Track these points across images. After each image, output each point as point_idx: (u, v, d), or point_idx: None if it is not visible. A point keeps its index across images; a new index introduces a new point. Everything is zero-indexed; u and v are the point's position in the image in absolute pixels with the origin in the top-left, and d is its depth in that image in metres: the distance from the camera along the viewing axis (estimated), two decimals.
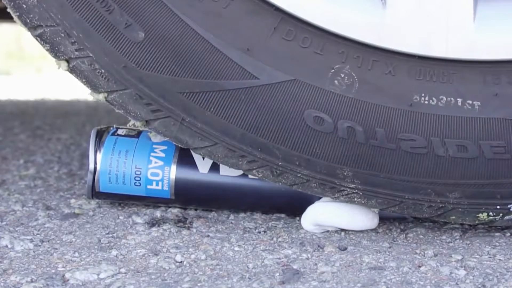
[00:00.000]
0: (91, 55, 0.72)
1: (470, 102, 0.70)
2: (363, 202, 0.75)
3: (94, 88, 0.74)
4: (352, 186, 0.74)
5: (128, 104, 0.74)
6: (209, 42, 0.70)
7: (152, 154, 0.83)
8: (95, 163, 0.83)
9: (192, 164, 0.83)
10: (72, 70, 0.73)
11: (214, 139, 0.74)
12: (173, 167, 0.83)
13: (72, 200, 0.91)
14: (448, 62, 0.70)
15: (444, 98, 0.71)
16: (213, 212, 0.86)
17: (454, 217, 0.75)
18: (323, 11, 0.69)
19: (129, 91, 0.73)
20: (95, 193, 0.84)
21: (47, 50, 0.73)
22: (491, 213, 0.74)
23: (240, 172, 0.82)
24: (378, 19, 0.69)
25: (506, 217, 0.74)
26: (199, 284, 0.66)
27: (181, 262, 0.71)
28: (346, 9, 0.70)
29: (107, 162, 0.83)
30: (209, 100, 0.72)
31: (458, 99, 0.70)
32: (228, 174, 0.83)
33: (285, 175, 0.75)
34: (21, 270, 0.69)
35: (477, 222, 0.75)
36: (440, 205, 0.74)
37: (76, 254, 0.73)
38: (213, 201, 0.85)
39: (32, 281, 0.66)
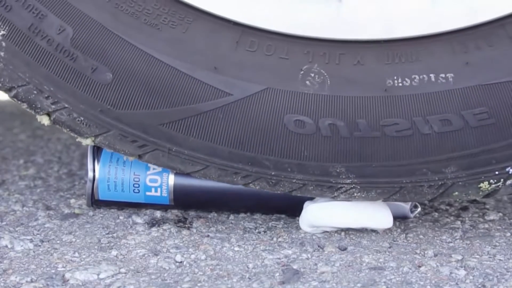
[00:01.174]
0: (66, 105, 0.73)
1: (443, 75, 0.71)
2: (363, 195, 0.75)
3: (80, 134, 0.75)
4: (348, 181, 0.74)
5: (115, 144, 0.74)
6: (177, 68, 0.71)
7: None
8: (94, 171, 0.83)
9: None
10: (54, 122, 0.74)
11: (204, 162, 0.74)
12: (172, 173, 0.82)
13: (72, 200, 0.90)
14: (413, 41, 0.71)
15: (417, 77, 0.71)
16: (213, 212, 0.86)
17: (457, 193, 0.74)
18: (280, 16, 0.70)
19: (112, 132, 0.74)
20: (94, 201, 0.84)
21: (26, 108, 0.74)
22: (491, 181, 0.73)
23: None
24: (336, 13, 0.70)
25: (509, 182, 0.73)
26: (199, 284, 0.66)
27: (181, 262, 0.71)
28: (303, 10, 0.70)
29: (105, 170, 0.82)
30: (189, 126, 0.73)
31: (430, 75, 0.71)
32: None
33: (281, 183, 0.75)
34: (21, 270, 0.68)
35: (481, 194, 0.74)
36: (440, 183, 0.73)
37: (76, 254, 0.73)
38: (213, 206, 0.85)
39: (32, 281, 0.66)
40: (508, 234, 0.80)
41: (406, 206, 0.81)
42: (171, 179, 0.82)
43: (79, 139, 0.75)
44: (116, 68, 0.71)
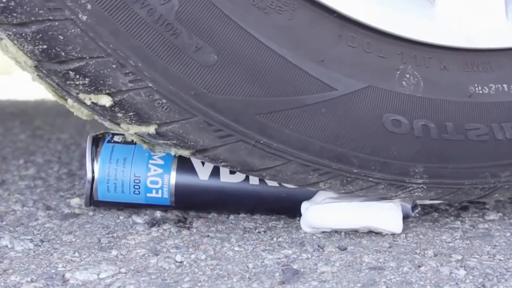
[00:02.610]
0: (150, 85, 0.65)
1: None
2: (421, 195, 0.77)
3: (143, 121, 0.67)
4: (420, 181, 0.75)
5: (190, 133, 0.68)
6: (284, 57, 0.68)
7: (151, 161, 0.82)
8: (93, 172, 0.82)
9: (192, 171, 0.82)
10: (117, 104, 0.66)
11: (288, 157, 0.71)
12: (173, 175, 0.82)
13: (72, 200, 0.91)
14: (489, 52, 0.75)
15: (493, 86, 0.75)
16: (213, 212, 0.86)
17: (497, 195, 0.79)
18: (379, 12, 0.71)
19: (195, 119, 0.67)
20: (93, 202, 0.84)
21: (77, 85, 0.65)
22: None
23: (242, 178, 0.82)
24: (427, 16, 0.73)
25: None
26: (199, 284, 0.66)
27: (181, 262, 0.71)
28: (398, 10, 0.72)
29: (105, 171, 0.82)
30: (288, 117, 0.69)
31: (504, 85, 0.75)
32: (229, 180, 0.82)
33: (355, 182, 0.74)
34: (21, 270, 0.69)
35: None
36: (492, 185, 0.77)
37: (76, 254, 0.73)
38: (214, 208, 0.85)
39: (32, 281, 0.66)
40: (508, 234, 0.80)
41: (407, 205, 0.81)
42: (173, 181, 0.82)
43: (132, 127, 0.69)
44: (222, 49, 0.66)
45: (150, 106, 0.66)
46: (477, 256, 0.73)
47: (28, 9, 0.62)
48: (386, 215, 0.77)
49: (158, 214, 0.85)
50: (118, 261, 0.71)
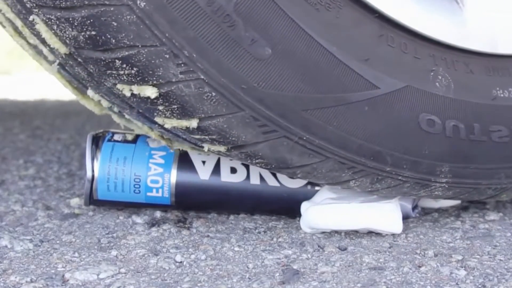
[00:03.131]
0: (202, 77, 0.63)
1: None
2: (440, 194, 0.78)
3: (187, 114, 0.66)
4: (443, 181, 0.76)
5: (233, 128, 0.67)
6: (333, 54, 0.68)
7: (151, 160, 0.82)
8: (93, 171, 0.82)
9: (192, 170, 0.82)
10: (162, 96, 0.64)
11: (326, 154, 0.71)
12: (173, 174, 0.81)
13: (72, 200, 0.91)
14: (507, 58, 0.77)
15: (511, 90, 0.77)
16: (213, 213, 0.86)
17: (504, 195, 0.81)
18: (414, 14, 0.73)
19: (241, 113, 0.66)
20: (93, 201, 0.83)
21: (120, 75, 0.63)
22: None
23: (242, 178, 0.82)
24: (456, 20, 0.75)
25: None
26: (199, 284, 0.66)
27: (181, 262, 0.71)
28: (430, 12, 0.74)
29: (105, 170, 0.81)
30: (333, 115, 0.69)
31: None
32: (230, 180, 0.82)
33: (384, 181, 0.75)
34: (21, 270, 0.68)
35: None
36: (504, 186, 0.79)
37: (76, 254, 0.73)
38: (214, 207, 0.85)
39: (32, 281, 0.66)
40: (509, 234, 0.80)
41: (407, 206, 0.81)
42: (173, 180, 0.81)
43: (171, 121, 0.67)
44: (276, 44, 0.65)
45: (198, 99, 0.64)
46: (478, 256, 0.73)
47: None
48: (386, 216, 0.77)
49: (158, 214, 0.85)
50: (118, 261, 0.71)
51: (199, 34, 0.62)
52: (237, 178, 0.82)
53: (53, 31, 0.63)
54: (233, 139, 0.68)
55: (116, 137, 0.84)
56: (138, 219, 0.83)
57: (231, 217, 0.85)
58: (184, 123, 0.66)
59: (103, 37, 0.61)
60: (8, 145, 1.26)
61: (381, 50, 0.71)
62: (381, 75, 0.71)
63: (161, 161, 0.82)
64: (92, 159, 0.82)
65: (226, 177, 0.82)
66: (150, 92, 0.64)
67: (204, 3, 0.61)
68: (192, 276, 0.68)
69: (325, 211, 0.78)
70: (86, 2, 0.60)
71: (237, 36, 0.63)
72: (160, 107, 0.66)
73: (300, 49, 0.66)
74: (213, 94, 0.64)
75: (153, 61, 0.62)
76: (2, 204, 0.90)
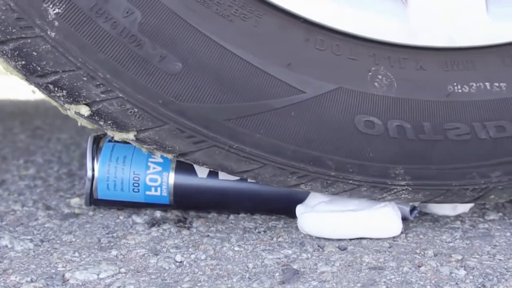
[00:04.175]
0: (121, 95, 0.68)
1: (497, 84, 0.73)
2: (409, 197, 0.76)
3: (122, 128, 0.70)
4: (403, 183, 0.75)
5: (166, 139, 0.70)
6: (250, 63, 0.69)
7: (150, 159, 0.82)
8: (93, 170, 0.82)
9: (190, 169, 0.82)
10: (95, 113, 0.69)
11: (262, 161, 0.72)
12: (172, 173, 0.82)
13: (72, 200, 0.91)
14: (470, 50, 0.73)
15: (474, 84, 0.73)
16: (213, 212, 0.86)
17: (492, 196, 0.77)
18: (348, 16, 0.70)
19: (167, 126, 0.69)
20: (93, 201, 0.84)
21: (58, 97, 0.68)
22: None
23: None
24: (401, 19, 0.71)
25: None
26: (199, 284, 0.66)
27: (181, 262, 0.71)
28: (369, 12, 0.71)
29: (105, 169, 0.82)
30: (258, 122, 0.70)
31: (486, 83, 0.73)
32: (228, 178, 0.82)
33: (336, 184, 0.75)
34: (21, 270, 0.68)
35: (510, 197, 0.78)
36: (483, 186, 0.76)
37: (76, 254, 0.73)
38: (213, 206, 0.85)
39: (32, 281, 0.66)
40: (508, 234, 0.80)
41: (405, 208, 0.81)
42: (171, 179, 0.82)
43: (115, 133, 0.71)
44: (187, 58, 0.67)
45: (124, 115, 0.69)
46: (477, 256, 0.73)
47: (3, 28, 0.66)
48: (381, 222, 0.77)
49: (158, 214, 0.85)
50: (118, 261, 0.71)
51: (109, 56, 0.66)
52: (235, 177, 0.82)
53: (6, 62, 0.69)
54: (170, 148, 0.71)
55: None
56: (138, 219, 0.83)
57: (231, 217, 0.85)
58: (124, 135, 0.71)
59: (31, 65, 0.67)
60: (8, 145, 1.26)
61: (308, 54, 0.70)
62: (307, 78, 0.70)
63: (160, 160, 0.82)
64: (93, 159, 0.82)
65: (224, 176, 0.82)
66: (84, 110, 0.69)
67: (108, 27, 0.66)
68: (192, 276, 0.68)
69: (319, 221, 0.77)
70: (9, 37, 0.66)
71: (145, 54, 0.66)
72: (101, 122, 0.70)
73: (213, 60, 0.67)
74: (135, 110, 0.68)
75: (75, 84, 0.67)
76: (2, 204, 0.90)
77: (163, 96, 0.68)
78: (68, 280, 0.66)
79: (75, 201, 0.90)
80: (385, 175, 0.74)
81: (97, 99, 0.68)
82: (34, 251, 0.74)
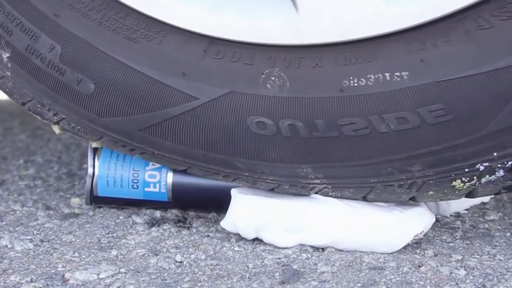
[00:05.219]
0: (64, 116, 0.79)
1: (398, 74, 0.71)
2: (338, 195, 0.75)
3: (87, 139, 0.81)
4: (317, 181, 0.74)
5: (113, 147, 0.80)
6: (150, 76, 0.74)
7: None
8: (94, 167, 0.83)
9: None
10: (63, 129, 0.81)
11: (186, 164, 0.77)
12: (170, 170, 0.82)
13: (72, 200, 0.90)
14: (369, 41, 0.71)
15: (372, 76, 0.71)
16: (213, 212, 0.86)
17: (432, 192, 0.74)
18: (244, 27, 0.72)
19: (104, 138, 0.78)
20: (93, 198, 0.84)
21: (41, 119, 0.81)
22: (464, 179, 0.72)
23: None
24: (295, 22, 0.71)
25: (484, 180, 0.71)
26: (199, 284, 0.66)
27: (181, 262, 0.71)
28: (264, 21, 0.71)
29: (105, 166, 0.83)
30: (164, 130, 0.75)
31: (386, 74, 0.71)
32: None
33: (259, 183, 0.76)
34: (21, 270, 0.68)
35: (458, 193, 0.73)
36: (409, 181, 0.73)
37: (76, 254, 0.73)
38: (211, 203, 0.85)
39: (32, 281, 0.66)
40: (508, 234, 0.80)
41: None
42: (170, 176, 0.82)
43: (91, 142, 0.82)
44: (98, 79, 0.75)
45: (74, 131, 0.80)
46: (477, 256, 0.73)
47: None
48: (384, 233, 0.74)
49: (158, 214, 0.85)
50: (118, 261, 0.71)
51: (46, 86, 0.78)
52: None
53: None
54: (124, 153, 0.81)
55: None
56: (138, 219, 0.83)
57: None
58: (95, 144, 0.82)
59: (12, 98, 0.81)
60: (8, 145, 1.26)
61: (204, 64, 0.73)
62: (201, 85, 0.73)
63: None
64: (94, 156, 0.83)
65: None
66: (56, 129, 0.81)
67: (39, 62, 0.77)
68: (192, 275, 0.68)
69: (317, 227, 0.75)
70: None
71: (67, 80, 0.77)
72: (76, 136, 0.81)
73: (119, 78, 0.75)
74: (78, 127, 0.79)
75: (37, 110, 0.80)
76: (2, 204, 0.90)
77: (87, 114, 0.77)
78: (68, 280, 0.66)
79: (75, 201, 0.90)
80: (296, 174, 0.74)
81: (55, 120, 0.80)
82: (34, 251, 0.74)
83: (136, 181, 0.82)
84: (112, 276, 0.67)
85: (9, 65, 0.78)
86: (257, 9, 0.72)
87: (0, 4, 0.77)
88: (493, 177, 0.70)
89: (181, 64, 0.74)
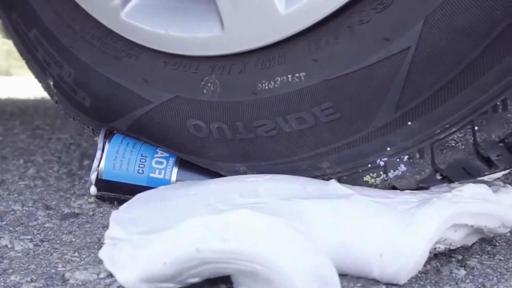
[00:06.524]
0: (92, 127, 0.94)
1: (297, 75, 0.73)
2: None
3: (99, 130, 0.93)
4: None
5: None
6: (122, 85, 0.86)
7: (159, 148, 0.86)
8: (103, 150, 0.86)
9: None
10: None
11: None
12: (178, 158, 0.85)
13: (72, 200, 0.91)
14: (278, 45, 0.75)
15: (279, 79, 0.74)
16: None
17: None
18: (189, 43, 0.80)
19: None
20: (98, 180, 0.85)
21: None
22: (371, 174, 0.73)
23: None
24: (218, 34, 0.78)
25: (391, 175, 0.72)
26: (199, 284, 0.66)
27: None
28: (197, 37, 0.79)
29: (114, 149, 0.86)
30: (136, 130, 0.86)
31: (288, 75, 0.74)
32: None
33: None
34: (21, 270, 0.69)
35: (379, 188, 0.74)
36: (326, 178, 0.75)
37: (76, 254, 0.73)
38: None
39: (32, 281, 0.66)
40: (508, 234, 0.80)
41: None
42: (177, 164, 0.84)
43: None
44: (91, 93, 0.90)
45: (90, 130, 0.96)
46: (477, 256, 0.73)
47: None
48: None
49: None
50: None
51: (62, 102, 0.96)
52: None
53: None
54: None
55: None
56: None
57: None
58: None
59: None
60: (8, 145, 1.26)
61: (163, 73, 0.83)
62: (156, 91, 0.83)
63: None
64: (104, 142, 0.88)
65: None
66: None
67: (65, 86, 0.93)
68: None
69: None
70: None
71: (79, 97, 0.92)
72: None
73: (103, 90, 0.88)
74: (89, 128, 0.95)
75: None
76: (3, 203, 0.90)
77: (91, 122, 0.93)
78: (68, 280, 0.66)
79: (75, 201, 0.90)
80: (235, 172, 0.80)
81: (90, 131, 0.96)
82: (34, 251, 0.74)
83: (142, 166, 0.85)
84: (112, 276, 0.67)
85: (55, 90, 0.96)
86: (193, 25, 0.80)
87: (40, 42, 0.95)
88: (398, 172, 0.71)
89: (145, 74, 0.84)
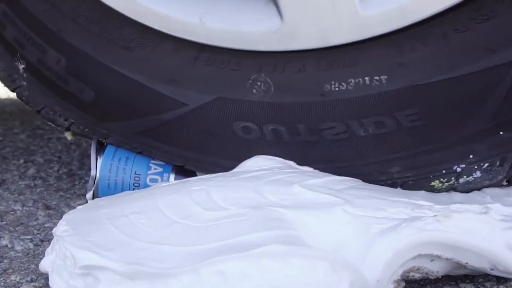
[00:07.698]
0: (73, 121, 0.83)
1: (377, 78, 0.71)
2: None
3: (96, 139, 0.84)
4: None
5: (119, 145, 0.83)
6: (142, 83, 0.78)
7: (152, 161, 0.83)
8: (96, 169, 0.83)
9: (191, 171, 0.82)
10: (74, 134, 0.85)
11: (181, 163, 0.80)
12: (172, 174, 0.82)
13: (72, 200, 0.91)
14: (349, 46, 0.73)
15: (353, 81, 0.72)
16: None
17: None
18: (233, 35, 0.74)
19: (112, 138, 0.82)
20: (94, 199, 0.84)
21: (53, 126, 0.85)
22: (442, 179, 0.72)
23: None
24: (274, 28, 0.73)
25: (461, 180, 0.72)
26: None
27: None
28: (251, 29, 0.73)
29: (106, 168, 0.83)
30: (157, 134, 0.79)
31: (365, 78, 0.72)
32: None
33: None
34: (21, 269, 0.69)
35: (437, 192, 0.74)
36: (389, 182, 0.74)
37: None
38: None
39: (32, 281, 0.66)
40: None
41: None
42: (172, 180, 0.82)
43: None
44: (96, 87, 0.80)
45: (84, 134, 0.83)
46: None
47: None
48: None
49: None
50: None
51: (59, 97, 0.82)
52: None
53: None
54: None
55: None
56: None
57: None
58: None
59: (29, 105, 0.86)
60: (8, 145, 1.26)
61: (194, 71, 0.76)
62: (189, 92, 0.76)
63: (162, 162, 0.82)
64: (96, 159, 0.83)
65: None
66: (69, 135, 0.85)
67: (49, 73, 0.81)
68: None
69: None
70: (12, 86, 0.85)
71: (72, 89, 0.81)
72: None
73: (114, 85, 0.78)
74: (87, 130, 0.82)
75: (50, 117, 0.84)
76: (3, 203, 0.90)
77: (91, 119, 0.82)
78: None
79: (75, 201, 0.90)
80: None
81: (65, 125, 0.83)
82: (34, 251, 0.74)
83: (137, 184, 0.82)
84: None
85: (25, 75, 0.83)
86: (243, 17, 0.74)
87: (12, 21, 0.82)
88: (470, 178, 0.71)
89: (172, 71, 0.77)
